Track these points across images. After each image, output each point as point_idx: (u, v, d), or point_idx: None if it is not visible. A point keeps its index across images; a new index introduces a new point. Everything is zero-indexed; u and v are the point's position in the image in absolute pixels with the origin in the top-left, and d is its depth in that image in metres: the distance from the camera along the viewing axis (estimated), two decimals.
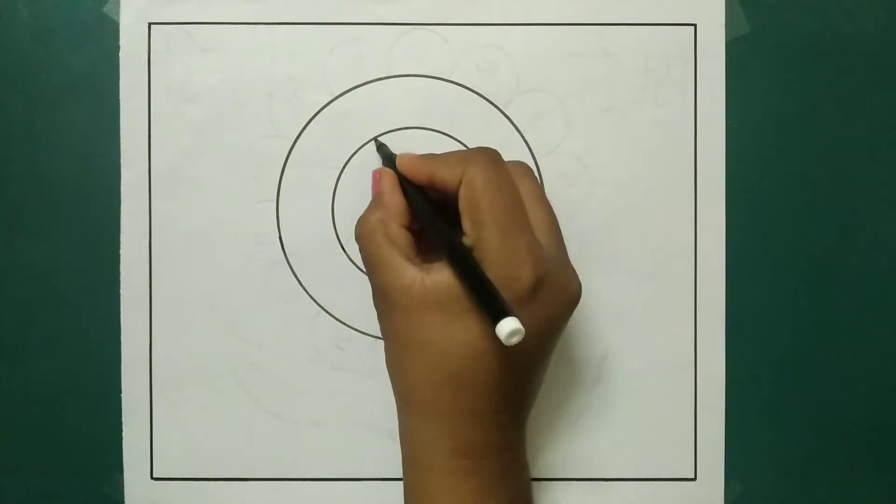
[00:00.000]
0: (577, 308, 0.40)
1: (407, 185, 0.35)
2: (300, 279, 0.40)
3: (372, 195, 0.36)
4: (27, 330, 0.40)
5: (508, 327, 0.28)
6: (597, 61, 0.40)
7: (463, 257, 0.31)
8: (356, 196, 0.40)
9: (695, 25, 0.40)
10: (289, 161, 0.40)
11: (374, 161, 0.40)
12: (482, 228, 0.32)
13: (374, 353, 0.40)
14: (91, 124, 0.40)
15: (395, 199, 0.34)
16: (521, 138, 0.40)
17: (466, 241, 0.32)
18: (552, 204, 0.39)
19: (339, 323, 0.40)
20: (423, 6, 0.40)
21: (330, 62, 0.40)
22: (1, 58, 0.40)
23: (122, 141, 0.40)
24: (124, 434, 0.40)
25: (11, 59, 0.40)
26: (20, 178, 0.40)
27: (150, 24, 0.39)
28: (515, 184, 0.33)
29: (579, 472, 0.40)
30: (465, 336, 0.31)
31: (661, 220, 0.40)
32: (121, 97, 0.40)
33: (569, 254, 0.37)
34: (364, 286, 0.39)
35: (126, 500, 0.40)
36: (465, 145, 0.40)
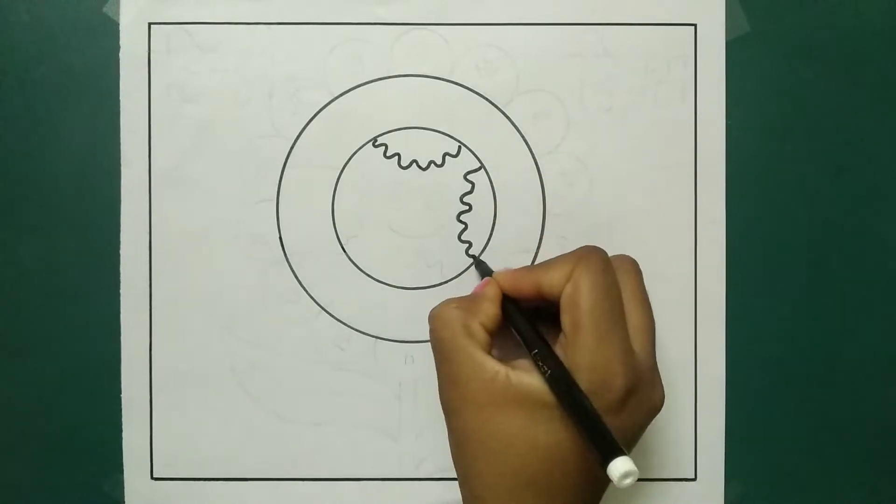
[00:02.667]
0: None
1: (507, 304, 0.34)
2: (300, 279, 0.40)
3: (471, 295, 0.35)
4: (27, 330, 0.40)
5: (622, 468, 0.27)
6: (597, 61, 0.40)
7: (563, 376, 0.30)
8: (356, 196, 0.40)
9: (695, 25, 0.40)
10: (289, 161, 0.40)
11: (374, 161, 0.40)
12: (579, 331, 0.31)
13: (374, 353, 0.40)
14: (91, 124, 0.40)
15: (488, 306, 0.33)
16: (521, 138, 0.40)
17: (562, 339, 0.32)
18: (551, 205, 0.39)
19: (339, 323, 0.40)
20: (423, 6, 0.40)
21: (330, 62, 0.40)
22: (1, 58, 0.40)
23: (122, 141, 0.40)
24: (124, 434, 0.40)
25: (11, 59, 0.40)
26: (20, 178, 0.40)
27: (150, 24, 0.39)
28: (619, 286, 0.33)
29: None
30: (547, 440, 0.31)
31: (661, 220, 0.40)
32: (121, 97, 0.40)
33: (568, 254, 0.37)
34: (365, 286, 0.40)
35: (126, 499, 0.40)
36: (465, 145, 0.40)
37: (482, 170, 0.40)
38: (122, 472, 0.40)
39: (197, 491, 0.40)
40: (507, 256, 0.40)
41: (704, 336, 0.40)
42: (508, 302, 0.34)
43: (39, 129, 0.40)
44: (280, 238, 0.40)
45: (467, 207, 0.40)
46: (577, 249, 0.34)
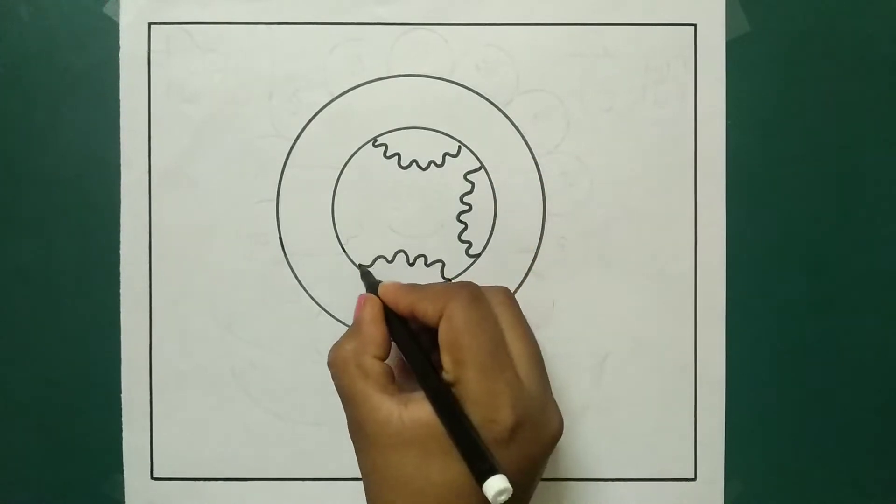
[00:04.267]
0: (577, 308, 0.40)
1: (391, 318, 0.34)
2: (300, 279, 0.40)
3: (353, 320, 0.35)
4: (27, 330, 0.40)
5: (497, 487, 0.28)
6: (597, 61, 0.40)
7: (446, 400, 0.31)
8: (356, 196, 0.40)
9: (695, 25, 0.40)
10: (289, 161, 0.40)
11: (374, 161, 0.40)
12: (461, 367, 0.31)
13: None
14: (91, 124, 0.40)
15: (372, 331, 0.34)
16: (521, 138, 0.40)
17: (446, 377, 0.32)
18: (551, 205, 0.39)
19: (339, 323, 0.40)
20: (423, 6, 0.40)
21: (330, 62, 0.40)
22: (1, 58, 0.40)
23: (122, 141, 0.40)
24: (124, 434, 0.40)
25: (11, 59, 0.40)
26: (20, 178, 0.40)
27: (150, 24, 0.39)
28: (495, 318, 0.33)
29: (579, 472, 0.40)
30: (442, 477, 0.31)
31: (661, 220, 0.40)
32: (121, 97, 0.40)
33: (569, 254, 0.37)
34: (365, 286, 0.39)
35: (126, 500, 0.40)
36: (465, 145, 0.40)
37: (482, 170, 0.40)
38: (122, 472, 0.40)
39: (197, 491, 0.40)
40: (507, 256, 0.40)
41: (704, 336, 0.40)
42: (395, 318, 0.34)
43: (39, 129, 0.40)
44: (280, 238, 0.40)
45: (467, 207, 0.40)
46: (448, 284, 0.34)
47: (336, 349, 0.34)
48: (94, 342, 0.40)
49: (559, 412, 0.33)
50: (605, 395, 0.40)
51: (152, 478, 0.40)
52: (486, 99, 0.40)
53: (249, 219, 0.40)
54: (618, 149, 0.40)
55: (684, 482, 0.40)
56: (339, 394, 0.34)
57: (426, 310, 0.33)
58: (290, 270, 0.40)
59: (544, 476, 0.40)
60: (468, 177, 0.40)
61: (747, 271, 0.40)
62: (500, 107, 0.40)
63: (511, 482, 0.29)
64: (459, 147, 0.40)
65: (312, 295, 0.40)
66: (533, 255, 0.40)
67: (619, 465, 0.40)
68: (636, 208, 0.40)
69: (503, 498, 0.28)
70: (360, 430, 0.32)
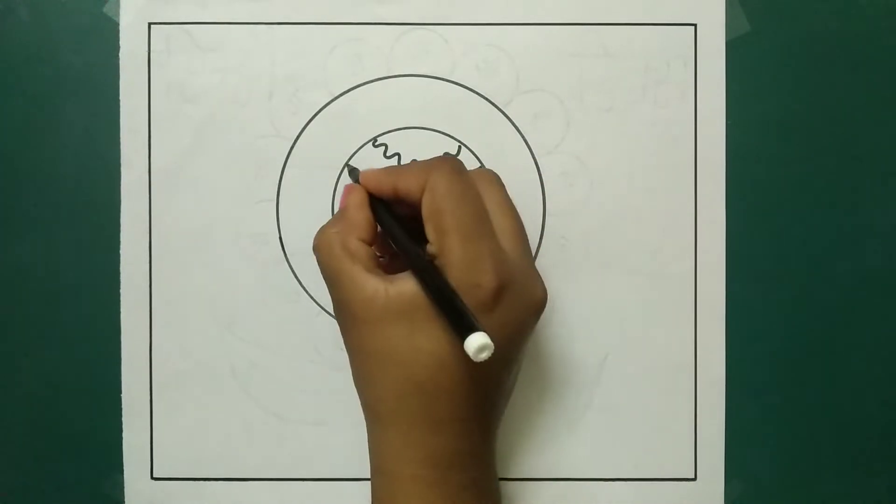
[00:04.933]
0: (577, 308, 0.40)
1: (376, 204, 0.35)
2: (300, 279, 0.40)
3: (338, 208, 0.36)
4: (27, 330, 0.40)
5: (476, 342, 0.28)
6: (597, 61, 0.40)
7: (428, 269, 0.31)
8: None
9: (695, 25, 0.40)
10: (289, 161, 0.40)
11: (374, 161, 0.40)
12: (444, 235, 0.32)
13: None
14: (91, 124, 0.40)
15: (358, 215, 0.34)
16: (521, 138, 0.40)
17: (430, 248, 0.32)
18: (551, 205, 0.39)
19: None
20: (423, 6, 0.40)
21: (330, 62, 0.40)
22: (1, 58, 0.40)
23: (122, 141, 0.40)
24: (124, 434, 0.40)
25: (11, 59, 0.40)
26: (20, 177, 0.40)
27: (150, 24, 0.39)
28: (479, 191, 0.33)
29: (579, 473, 0.40)
30: (429, 346, 0.31)
31: (661, 220, 0.40)
32: (121, 97, 0.40)
33: (569, 254, 0.37)
34: None
35: (126, 499, 0.40)
36: (465, 145, 0.40)
37: None
38: (122, 472, 0.40)
39: (197, 491, 0.40)
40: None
41: (704, 336, 0.40)
42: (378, 203, 0.34)
43: (39, 129, 0.40)
44: (280, 238, 0.40)
45: None
46: (428, 159, 0.34)
47: (321, 233, 0.34)
48: (94, 342, 0.40)
49: (543, 283, 0.34)
50: (605, 395, 0.40)
51: (152, 478, 0.40)
52: (486, 99, 0.40)
53: (249, 219, 0.40)
54: (618, 149, 0.40)
55: (684, 482, 0.40)
56: (324, 276, 0.34)
57: (409, 185, 0.33)
58: (290, 270, 0.40)
59: (543, 476, 0.40)
60: None
61: (747, 271, 0.40)
62: (500, 107, 0.40)
63: (497, 346, 0.29)
64: (459, 147, 0.40)
65: (312, 295, 0.40)
66: (533, 254, 0.40)
67: (619, 465, 0.40)
68: (636, 208, 0.40)
69: (485, 354, 0.28)
70: (346, 309, 0.33)
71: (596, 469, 0.40)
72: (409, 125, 0.40)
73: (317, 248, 0.34)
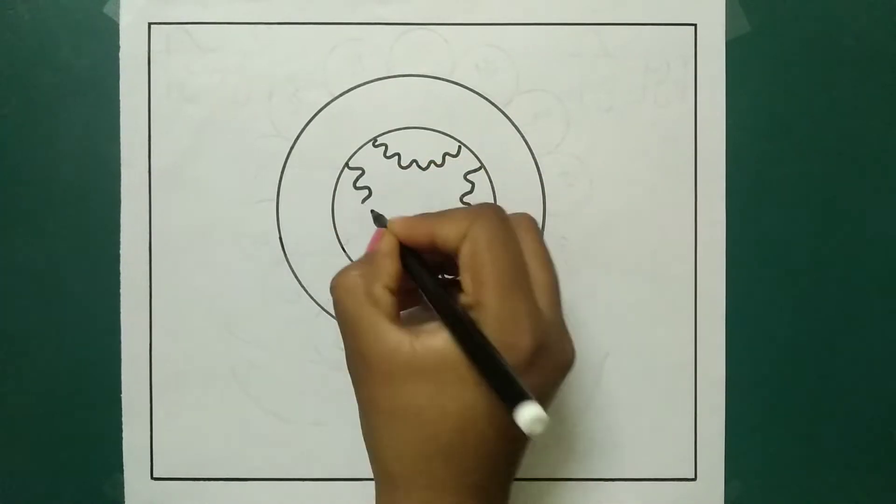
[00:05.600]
0: (576, 308, 0.40)
1: (405, 253, 0.32)
2: (300, 279, 0.40)
3: (365, 254, 0.34)
4: (27, 330, 0.40)
5: (531, 415, 0.26)
6: (597, 61, 0.40)
7: (468, 324, 0.29)
8: (356, 196, 0.40)
9: (695, 25, 0.40)
10: (289, 161, 0.40)
11: (375, 160, 0.40)
12: (483, 288, 0.30)
13: None
14: (91, 124, 0.40)
15: (386, 262, 0.32)
16: (521, 138, 0.40)
17: (464, 299, 0.31)
18: (551, 205, 0.39)
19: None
20: (423, 6, 0.40)
21: (330, 62, 0.40)
22: (1, 58, 0.40)
23: (122, 141, 0.40)
24: (124, 434, 0.40)
25: (11, 59, 0.40)
26: (20, 178, 0.40)
27: (150, 24, 0.39)
28: (518, 243, 0.32)
29: (579, 472, 0.40)
30: (457, 406, 0.30)
31: (661, 220, 0.40)
32: (121, 97, 0.40)
33: (569, 254, 0.37)
34: None
35: (126, 500, 0.40)
36: (465, 145, 0.40)
37: (482, 170, 0.40)
38: (122, 472, 0.40)
39: (197, 491, 0.40)
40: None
41: (704, 336, 0.40)
42: (409, 253, 0.32)
43: (39, 129, 0.40)
44: (280, 238, 0.40)
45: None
46: (471, 206, 0.33)
47: (342, 273, 0.32)
48: (94, 342, 0.40)
49: (572, 342, 0.32)
50: (605, 395, 0.40)
51: (152, 478, 0.40)
52: (486, 99, 0.40)
53: (249, 219, 0.40)
54: (618, 149, 0.40)
55: (684, 482, 0.40)
56: (340, 320, 0.32)
57: (447, 233, 0.31)
58: (290, 270, 0.40)
59: (543, 476, 0.40)
60: (468, 177, 0.40)
61: (747, 271, 0.40)
62: (500, 107, 0.40)
63: None
64: (459, 147, 0.40)
65: (312, 295, 0.40)
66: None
67: (619, 465, 0.40)
68: (636, 208, 0.40)
69: (539, 428, 0.26)
70: (363, 361, 0.31)
71: (596, 469, 0.40)
72: (409, 125, 0.40)
73: (335, 289, 0.32)
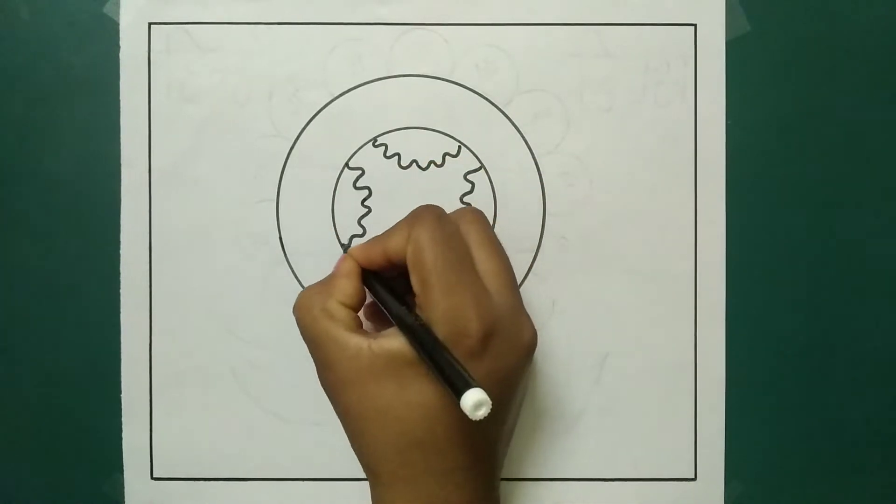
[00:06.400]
0: (577, 308, 0.39)
1: (367, 274, 0.35)
2: (300, 279, 0.40)
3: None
4: (27, 330, 0.40)
5: (473, 399, 0.27)
6: (597, 61, 0.40)
7: (414, 326, 0.31)
8: (356, 196, 0.40)
9: (695, 25, 0.40)
10: (289, 161, 0.40)
11: (375, 160, 0.40)
12: (427, 288, 0.32)
13: None
14: (91, 124, 0.40)
15: (343, 282, 0.34)
16: (521, 138, 0.40)
17: (417, 300, 0.32)
18: (551, 205, 0.39)
19: None
20: (423, 6, 0.40)
21: (330, 62, 0.40)
22: (1, 58, 0.40)
23: (122, 141, 0.40)
24: (124, 434, 0.40)
25: (11, 59, 0.40)
26: (20, 178, 0.40)
27: (150, 24, 0.39)
28: (461, 236, 0.33)
29: (579, 472, 0.40)
30: (421, 399, 0.31)
31: (661, 220, 0.40)
32: (121, 97, 0.40)
33: (569, 254, 0.37)
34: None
35: (126, 499, 0.40)
36: (465, 145, 0.40)
37: (482, 170, 0.40)
38: (122, 472, 0.40)
39: (197, 491, 0.40)
40: (508, 256, 0.40)
41: (704, 336, 0.40)
42: (368, 274, 0.35)
43: (39, 129, 0.40)
44: (280, 238, 0.40)
45: None
46: (411, 212, 0.34)
47: (301, 294, 0.34)
48: (94, 342, 0.40)
49: (532, 323, 0.34)
50: (605, 395, 0.40)
51: (152, 478, 0.40)
52: (486, 99, 0.40)
53: (249, 219, 0.40)
54: (618, 149, 0.40)
55: (684, 482, 0.40)
56: (305, 339, 0.34)
57: (394, 245, 0.33)
58: (290, 270, 0.40)
59: (544, 476, 0.40)
60: (468, 177, 0.40)
61: (747, 271, 0.40)
62: (500, 107, 0.40)
63: (488, 393, 0.28)
64: (459, 147, 0.40)
65: None
66: (533, 255, 0.40)
67: (619, 465, 0.40)
68: (636, 208, 0.40)
69: (482, 411, 0.27)
70: (331, 372, 0.33)
71: (596, 469, 0.40)
72: (409, 125, 0.40)
73: (295, 309, 0.34)
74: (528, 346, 0.33)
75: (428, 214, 0.33)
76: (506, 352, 0.32)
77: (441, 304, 0.31)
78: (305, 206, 0.40)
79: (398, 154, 0.40)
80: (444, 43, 0.40)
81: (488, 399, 0.27)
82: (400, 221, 0.34)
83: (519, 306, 0.34)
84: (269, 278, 0.40)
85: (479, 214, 0.35)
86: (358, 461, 0.35)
